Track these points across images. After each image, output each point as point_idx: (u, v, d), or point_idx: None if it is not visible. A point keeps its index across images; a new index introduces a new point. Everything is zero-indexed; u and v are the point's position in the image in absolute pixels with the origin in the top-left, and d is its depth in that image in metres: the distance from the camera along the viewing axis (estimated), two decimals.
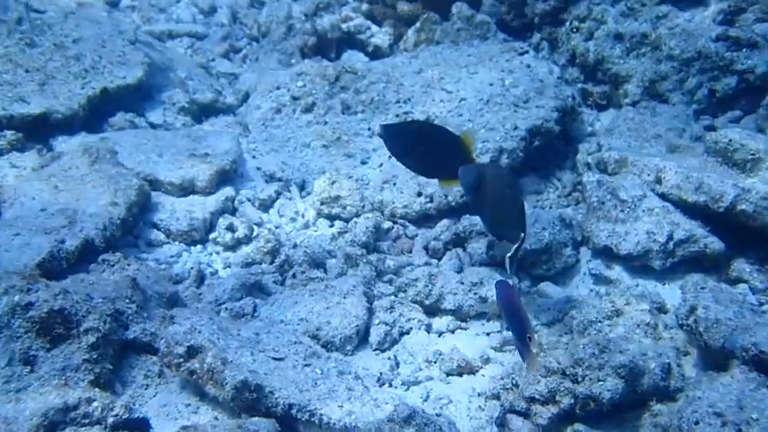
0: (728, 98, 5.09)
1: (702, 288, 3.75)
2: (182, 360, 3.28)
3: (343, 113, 5.36)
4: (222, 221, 4.60)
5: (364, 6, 6.52)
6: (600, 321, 3.80)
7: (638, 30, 5.30)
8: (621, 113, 5.19)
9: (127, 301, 3.56)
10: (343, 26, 6.31)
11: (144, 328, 3.52)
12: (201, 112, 5.77)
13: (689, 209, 4.22)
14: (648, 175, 4.38)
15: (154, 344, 3.46)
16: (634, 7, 5.33)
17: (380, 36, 6.34)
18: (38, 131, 5.08)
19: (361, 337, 3.92)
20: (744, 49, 4.99)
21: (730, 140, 4.26)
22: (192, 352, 3.27)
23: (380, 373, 3.72)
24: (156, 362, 3.47)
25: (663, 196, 4.30)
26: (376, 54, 6.29)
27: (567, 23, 5.69)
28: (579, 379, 3.33)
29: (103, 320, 3.34)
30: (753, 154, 4.20)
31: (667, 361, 3.47)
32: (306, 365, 3.46)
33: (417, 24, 6.17)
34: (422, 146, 3.79)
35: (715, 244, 4.13)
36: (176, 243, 4.53)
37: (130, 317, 3.53)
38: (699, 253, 4.17)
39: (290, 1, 7.02)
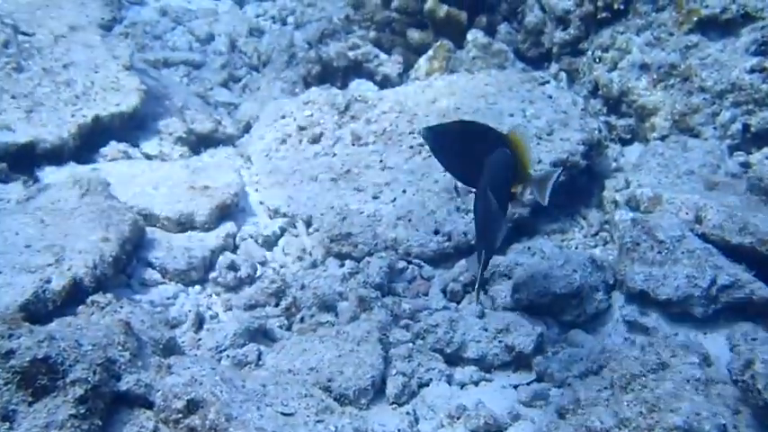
0: (764, 133, 4.79)
1: (754, 339, 3.44)
2: (181, 416, 3.03)
3: (354, 144, 5.08)
4: (223, 260, 4.35)
5: (372, 34, 6.26)
6: (644, 375, 3.44)
7: (665, 60, 5.01)
8: (650, 148, 4.89)
9: (119, 348, 3.27)
10: (350, 54, 6.04)
11: (138, 378, 3.21)
12: (200, 143, 5.51)
13: (732, 251, 3.93)
14: (687, 213, 4.09)
15: (149, 397, 3.16)
16: (661, 36, 5.05)
17: (389, 65, 6.08)
18: (24, 162, 4.82)
19: (377, 389, 3.65)
20: None
21: None
22: (193, 406, 3.03)
23: (399, 430, 3.46)
24: (150, 417, 3.15)
25: (704, 237, 4.01)
26: (385, 83, 6.02)
27: (590, 53, 5.41)
28: None
29: (93, 370, 3.05)
30: None
31: (723, 422, 3.15)
32: (318, 421, 3.22)
33: (430, 52, 5.91)
34: (467, 149, 3.45)
35: (762, 290, 3.84)
36: (173, 283, 4.28)
37: (123, 366, 3.23)
38: (744, 300, 3.87)
39: (293, 29, 6.81)
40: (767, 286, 3.84)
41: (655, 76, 5.07)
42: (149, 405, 3.15)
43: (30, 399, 2.93)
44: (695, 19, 4.92)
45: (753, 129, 4.80)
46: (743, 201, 4.10)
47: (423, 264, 4.45)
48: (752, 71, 4.77)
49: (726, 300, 3.87)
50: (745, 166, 4.71)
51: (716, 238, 3.97)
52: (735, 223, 3.91)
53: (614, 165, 5.04)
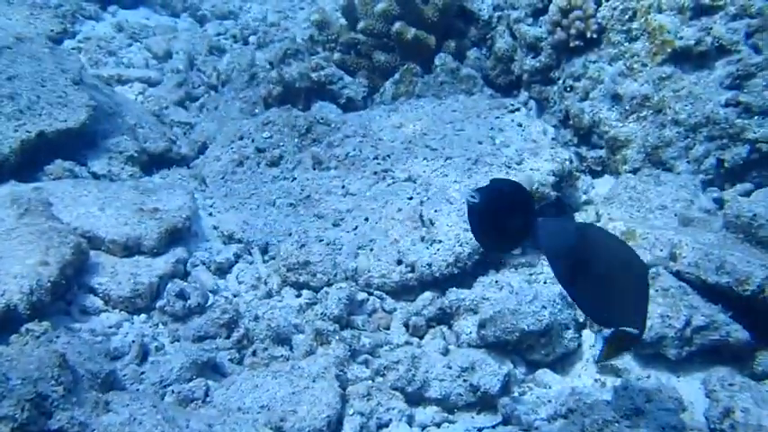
0: (738, 169, 4.67)
1: (732, 385, 3.28)
2: None
3: (314, 169, 4.90)
4: (172, 287, 4.08)
5: (336, 56, 6.07)
6: (618, 422, 3.26)
7: (638, 91, 4.88)
8: (621, 181, 4.74)
9: (52, 382, 3.02)
10: (313, 75, 5.84)
11: (71, 416, 2.98)
12: (152, 163, 5.31)
13: (708, 290, 3.76)
14: (661, 250, 3.93)
15: None
16: (634, 67, 4.92)
17: (354, 87, 5.89)
18: None
19: (333, 430, 3.43)
20: (756, 117, 4.60)
21: (755, 215, 3.84)
22: None
23: None
24: None
25: (678, 275, 3.84)
26: (349, 107, 5.85)
27: (561, 81, 5.27)
28: None
29: (21, 407, 2.84)
30: None
31: None
32: None
33: (396, 76, 5.74)
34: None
35: (739, 333, 3.68)
36: (116, 311, 4.02)
37: (55, 402, 2.98)
38: (720, 342, 3.70)
39: (254, 49, 6.62)
40: (744, 328, 3.68)
41: (627, 108, 4.94)
42: None
43: None
44: (669, 50, 4.80)
45: (726, 164, 4.68)
46: (719, 238, 3.94)
47: (384, 296, 4.24)
48: (726, 105, 4.65)
49: (700, 341, 3.69)
50: (719, 202, 4.59)
51: (691, 277, 3.80)
52: (711, 262, 3.74)
53: (584, 197, 4.90)
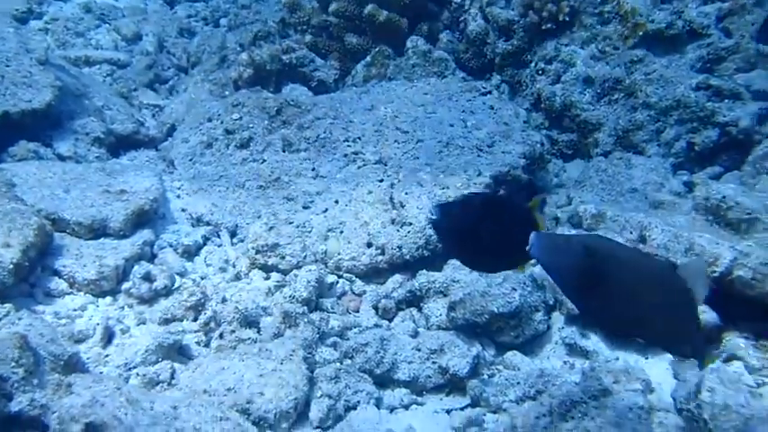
0: (708, 152, 4.68)
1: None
2: None
3: (284, 151, 4.85)
4: (138, 269, 4.04)
5: (308, 38, 6.01)
6: (585, 402, 3.24)
7: (610, 74, 4.88)
8: (593, 164, 4.74)
9: (13, 364, 2.98)
10: (284, 58, 5.77)
11: (32, 398, 2.94)
12: (119, 145, 5.26)
13: None
14: (631, 232, 3.92)
15: (44, 419, 2.91)
16: (606, 50, 4.92)
17: (326, 70, 5.84)
18: None
19: (300, 413, 3.39)
20: (726, 100, 4.61)
21: (724, 197, 3.83)
22: (92, 431, 2.79)
23: None
24: None
25: None
26: (320, 89, 5.79)
27: (533, 65, 5.26)
28: None
29: None
30: (748, 213, 3.77)
31: None
32: None
33: (368, 58, 5.69)
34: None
35: (707, 314, 3.66)
36: (81, 294, 3.97)
37: (16, 384, 2.96)
38: None
39: (225, 30, 6.53)
40: (712, 310, 3.68)
41: (599, 91, 4.93)
42: (44, 428, 2.88)
43: None
44: (641, 33, 4.81)
45: (697, 147, 4.70)
46: (689, 220, 3.94)
47: (354, 278, 4.22)
48: (697, 88, 4.66)
49: None
50: (689, 185, 4.59)
51: (661, 259, 3.79)
52: (680, 244, 3.74)
53: (555, 180, 4.88)
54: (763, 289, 3.60)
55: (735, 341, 3.69)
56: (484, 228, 2.58)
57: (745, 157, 4.48)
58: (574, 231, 3.99)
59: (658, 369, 3.64)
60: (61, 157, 4.90)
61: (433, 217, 2.57)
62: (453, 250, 2.80)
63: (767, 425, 2.88)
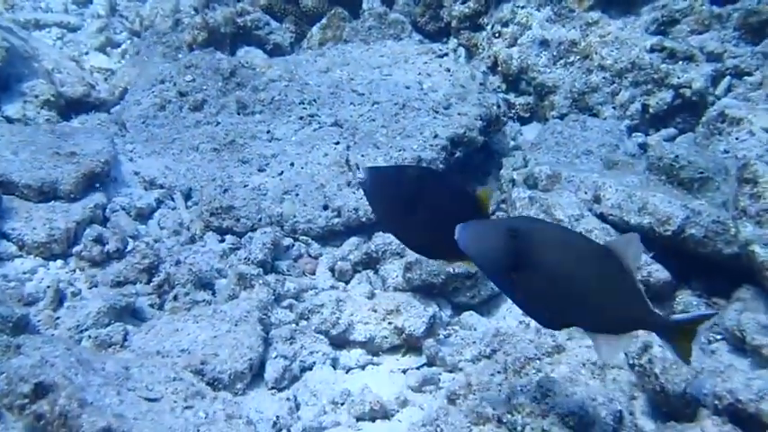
0: (663, 114, 4.72)
1: None
2: (27, 401, 2.75)
3: (239, 113, 4.81)
4: (89, 232, 4.00)
5: (263, 1, 5.93)
6: (539, 359, 3.27)
7: (566, 36, 4.89)
8: (549, 126, 4.76)
9: None
10: (239, 20, 5.70)
11: None
12: (70, 108, 5.17)
13: (631, 231, 3.75)
14: (586, 192, 3.94)
15: None
16: (562, 13, 4.93)
17: (281, 33, 5.77)
18: None
19: (255, 373, 3.41)
20: (680, 62, 4.65)
21: (677, 157, 3.86)
22: (41, 391, 2.76)
23: (277, 417, 3.22)
24: None
25: (602, 217, 3.86)
26: (276, 53, 5.74)
27: (489, 27, 5.24)
28: (519, 428, 2.86)
29: None
30: (701, 173, 3.81)
31: (619, 408, 3.02)
32: (187, 408, 2.99)
33: (324, 21, 5.65)
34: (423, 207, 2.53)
35: (660, 273, 3.71)
36: (31, 257, 3.93)
37: None
38: (642, 282, 3.70)
39: None
40: (665, 268, 3.72)
41: (555, 53, 4.93)
42: None
43: None
44: None
45: (651, 109, 4.74)
46: (642, 180, 3.97)
47: (310, 241, 4.21)
48: (652, 50, 4.69)
49: None
50: (644, 147, 4.63)
51: (614, 218, 3.83)
52: (634, 203, 3.77)
53: (512, 143, 4.90)
54: (715, 247, 3.66)
55: (687, 298, 3.74)
56: (420, 204, 2.48)
57: (698, 119, 4.53)
58: (529, 193, 3.98)
59: None
60: (9, 120, 4.82)
61: (362, 177, 2.49)
62: (381, 219, 2.69)
63: (716, 378, 2.91)
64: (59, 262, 3.92)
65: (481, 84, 4.80)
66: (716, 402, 2.86)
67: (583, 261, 2.31)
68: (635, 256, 2.34)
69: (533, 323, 3.75)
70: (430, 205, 2.50)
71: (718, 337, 3.59)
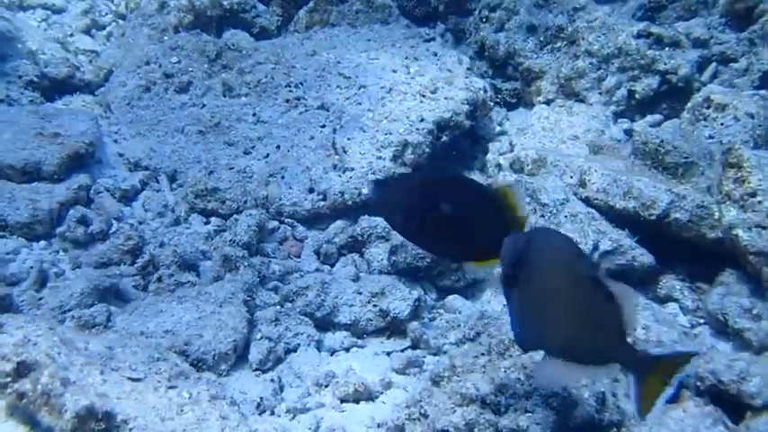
0: (649, 100, 4.72)
1: (635, 305, 3.31)
2: (9, 379, 2.68)
3: (225, 96, 4.78)
4: (73, 213, 3.97)
5: None
6: None
7: (553, 22, 4.88)
8: (535, 112, 4.76)
9: None
10: (225, 3, 5.64)
11: None
12: (54, 89, 5.09)
13: (616, 216, 3.82)
14: (571, 177, 3.96)
15: None
16: None
17: (268, 16, 5.72)
18: None
19: (240, 355, 3.40)
20: (666, 48, 4.65)
21: (662, 142, 3.87)
22: (23, 369, 2.69)
23: (261, 399, 3.23)
24: None
25: (587, 201, 3.88)
26: (262, 36, 5.67)
27: (477, 12, 5.23)
28: (502, 409, 2.86)
29: None
30: (686, 158, 3.82)
31: (602, 390, 3.01)
32: (170, 388, 2.93)
33: (311, 4, 5.60)
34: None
35: (644, 257, 3.73)
36: (14, 237, 3.89)
37: None
38: (626, 266, 3.75)
39: None
40: (649, 252, 3.74)
41: (542, 39, 4.93)
42: None
43: None
44: None
45: (637, 95, 4.73)
46: (627, 165, 3.98)
47: (296, 224, 4.21)
48: (638, 36, 4.68)
49: (607, 266, 3.74)
50: (629, 133, 4.63)
51: (599, 203, 3.85)
52: (619, 187, 3.79)
53: (498, 129, 4.88)
54: (699, 231, 3.68)
55: (671, 283, 3.76)
56: (436, 209, 2.39)
57: (684, 105, 4.53)
58: (515, 176, 4.00)
59: None
60: None
61: (369, 195, 2.43)
62: (399, 231, 2.55)
63: (698, 359, 2.94)
64: (43, 243, 3.89)
65: (468, 68, 4.79)
66: (698, 383, 2.88)
67: (572, 284, 2.19)
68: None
69: None
70: (448, 209, 2.42)
71: (701, 321, 3.63)
